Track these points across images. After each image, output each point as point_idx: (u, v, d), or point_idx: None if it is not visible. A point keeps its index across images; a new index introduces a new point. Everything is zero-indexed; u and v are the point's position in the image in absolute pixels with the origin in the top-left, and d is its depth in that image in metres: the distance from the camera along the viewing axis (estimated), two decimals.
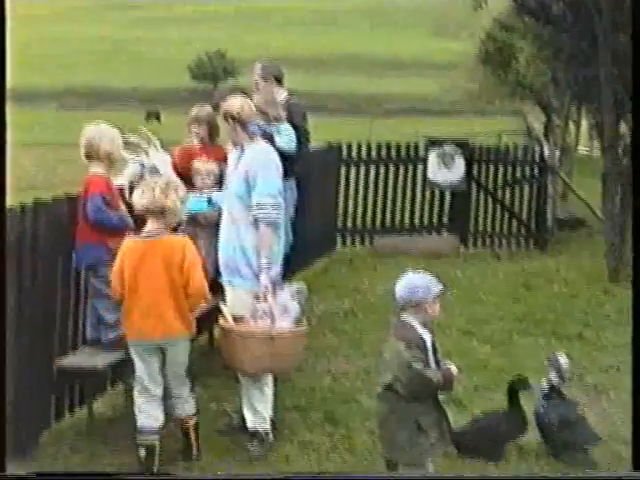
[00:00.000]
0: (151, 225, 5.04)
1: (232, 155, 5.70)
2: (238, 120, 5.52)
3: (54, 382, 5.47)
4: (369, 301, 8.88)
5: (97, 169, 5.45)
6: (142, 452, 5.09)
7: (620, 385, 6.65)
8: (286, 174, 6.93)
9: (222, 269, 5.57)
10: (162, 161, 6.10)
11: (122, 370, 5.59)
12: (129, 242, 5.05)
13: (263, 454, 5.34)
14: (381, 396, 4.38)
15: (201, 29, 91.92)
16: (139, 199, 5.03)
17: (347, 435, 5.63)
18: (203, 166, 6.32)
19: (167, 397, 5.18)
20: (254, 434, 5.41)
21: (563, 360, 5.62)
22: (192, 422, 5.27)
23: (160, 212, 4.99)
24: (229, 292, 5.55)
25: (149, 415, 5.10)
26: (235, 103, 5.59)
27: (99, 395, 5.96)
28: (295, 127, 7.29)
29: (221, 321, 5.29)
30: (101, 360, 5.38)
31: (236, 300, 5.43)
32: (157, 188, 5.01)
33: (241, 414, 5.55)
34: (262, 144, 5.64)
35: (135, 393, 5.16)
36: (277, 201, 5.44)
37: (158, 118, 42.51)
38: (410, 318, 4.38)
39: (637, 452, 3.64)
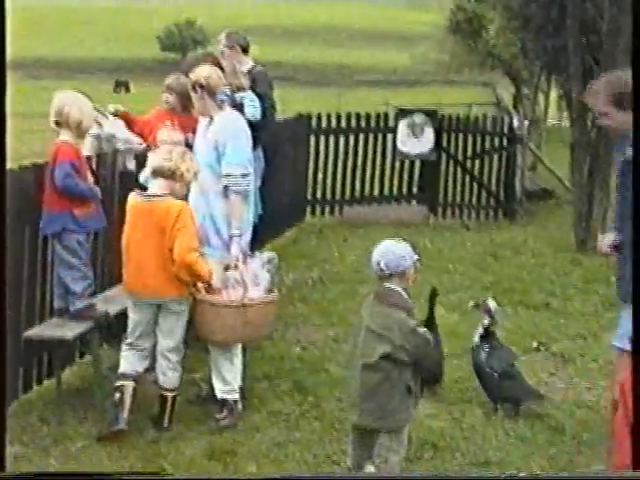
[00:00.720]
0: (157, 188, 5.17)
1: (200, 124, 5.64)
2: (206, 88, 5.46)
3: (22, 353, 5.43)
4: (338, 271, 8.91)
5: (66, 137, 5.39)
6: (116, 396, 5.20)
7: (586, 353, 6.74)
8: (253, 144, 6.92)
9: None
10: (116, 126, 6.17)
11: (90, 340, 5.55)
12: (132, 199, 5.22)
13: (232, 423, 5.35)
14: (375, 366, 4.31)
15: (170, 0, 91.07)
16: (155, 158, 5.22)
17: (316, 404, 5.66)
18: (169, 136, 6.24)
19: (156, 362, 5.32)
20: (223, 403, 5.41)
21: (492, 304, 5.86)
22: (171, 395, 5.31)
23: (171, 174, 5.12)
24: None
25: (128, 361, 5.28)
26: (203, 72, 5.54)
27: (67, 366, 5.94)
28: (259, 96, 7.22)
29: (193, 291, 5.26)
30: (69, 330, 5.34)
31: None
32: (174, 152, 5.19)
33: (210, 384, 5.55)
34: (231, 113, 5.60)
35: (123, 345, 5.33)
36: (247, 170, 5.42)
37: (128, 88, 42.19)
38: (397, 286, 4.40)
39: (637, 452, 3.67)
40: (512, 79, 24.61)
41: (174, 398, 5.34)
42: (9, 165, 5.35)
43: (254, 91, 7.15)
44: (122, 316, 5.61)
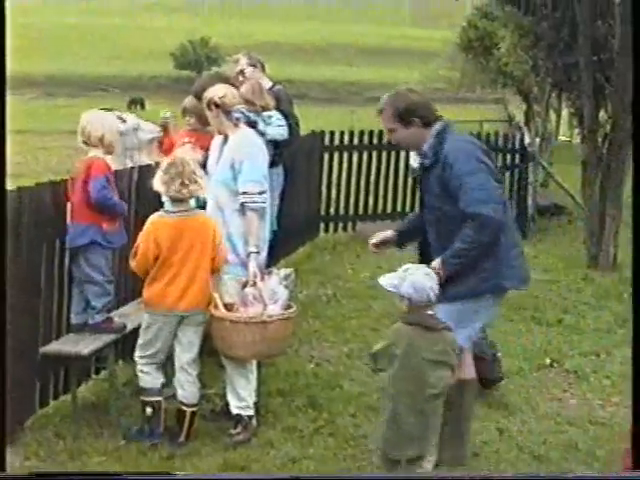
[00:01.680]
0: (182, 205, 5.24)
1: (215, 142, 5.69)
2: (221, 107, 5.51)
3: (38, 369, 5.49)
4: (352, 287, 8.93)
5: (96, 153, 5.55)
6: (149, 410, 5.28)
7: (600, 369, 6.74)
8: (274, 162, 7.02)
9: None
10: (139, 121, 6.26)
11: (106, 356, 5.62)
12: (163, 218, 5.25)
13: (247, 439, 5.36)
14: (442, 394, 4.40)
15: (184, 17, 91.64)
16: (159, 186, 5.23)
17: (330, 420, 5.67)
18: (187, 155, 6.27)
19: (173, 375, 5.40)
20: (238, 419, 5.43)
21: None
22: (189, 410, 5.34)
23: (188, 200, 5.23)
24: (216, 279, 5.47)
25: (152, 376, 5.32)
26: (218, 90, 5.58)
27: (83, 381, 5.98)
28: (284, 115, 7.28)
29: (212, 309, 5.27)
30: (86, 346, 5.40)
31: (221, 286, 5.42)
32: (177, 180, 5.16)
33: (225, 399, 5.57)
34: (246, 131, 5.64)
35: (137, 357, 5.37)
36: (263, 188, 5.44)
37: (142, 105, 42.36)
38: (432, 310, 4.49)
39: (637, 452, 3.68)
40: (523, 96, 24.63)
41: (193, 414, 5.35)
42: (25, 182, 5.47)
43: (278, 109, 7.21)
44: (137, 332, 5.67)
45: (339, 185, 11.76)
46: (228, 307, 5.29)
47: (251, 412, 5.46)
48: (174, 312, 5.24)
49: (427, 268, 4.52)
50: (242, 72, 7.51)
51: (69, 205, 5.56)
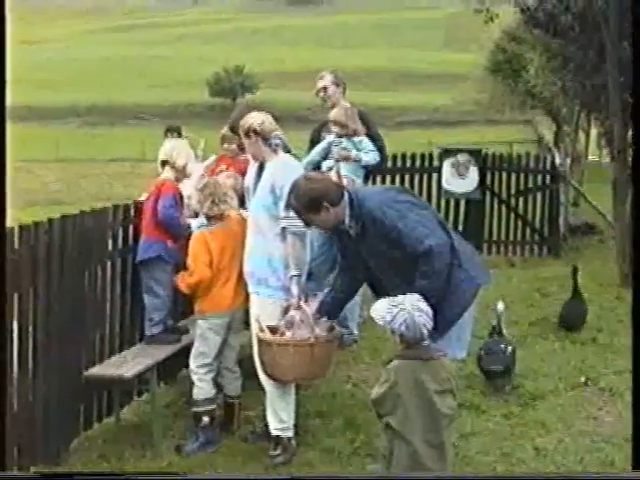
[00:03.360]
0: (216, 221, 5.74)
1: (251, 167, 5.75)
2: (260, 134, 5.54)
3: (83, 392, 5.63)
4: None
5: (168, 175, 5.99)
6: (205, 420, 5.59)
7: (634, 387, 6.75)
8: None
9: (247, 278, 5.60)
10: (197, 168, 6.47)
11: (148, 378, 5.73)
12: (205, 233, 5.70)
13: (287, 460, 5.42)
14: (450, 421, 4.34)
15: (219, 46, 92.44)
16: (197, 205, 5.82)
17: (367, 441, 5.71)
18: (227, 181, 6.40)
19: (218, 376, 5.80)
20: (277, 441, 5.49)
21: (500, 305, 6.92)
22: (237, 401, 5.86)
23: (219, 218, 5.73)
24: (256, 301, 5.54)
25: (210, 384, 5.68)
26: (256, 118, 5.61)
27: (126, 403, 6.12)
28: (372, 138, 7.39)
29: (258, 333, 5.33)
30: (128, 370, 5.52)
31: (262, 310, 5.45)
32: (208, 199, 5.69)
33: (264, 421, 5.63)
34: (285, 157, 5.64)
35: (194, 367, 5.66)
36: None
37: (179, 134, 42.75)
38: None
39: (637, 452, 3.74)
40: (552, 118, 24.65)
41: (240, 404, 5.84)
42: (66, 210, 5.64)
43: (366, 134, 7.36)
44: (177, 355, 5.81)
45: None
46: (272, 330, 5.32)
47: (290, 433, 5.52)
48: (231, 311, 5.68)
49: (420, 302, 4.36)
50: (325, 89, 7.60)
51: (143, 221, 5.94)
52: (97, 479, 4.33)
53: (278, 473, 5.28)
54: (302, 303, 5.31)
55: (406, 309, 4.29)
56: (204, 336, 5.66)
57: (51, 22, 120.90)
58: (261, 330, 5.32)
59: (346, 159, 7.29)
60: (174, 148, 6.13)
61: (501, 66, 29.03)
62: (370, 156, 7.31)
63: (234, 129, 6.20)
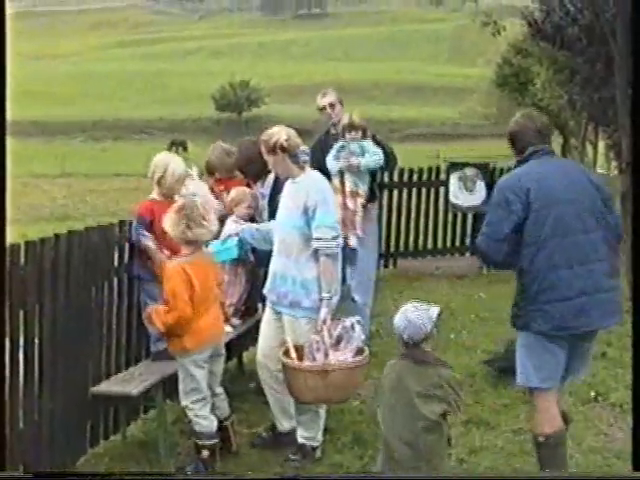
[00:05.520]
0: (195, 247, 5.34)
1: (287, 186, 5.61)
2: (288, 150, 5.41)
3: (89, 408, 5.60)
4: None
5: (153, 195, 5.95)
6: (205, 454, 5.42)
7: None
8: (373, 195, 7.22)
9: (276, 301, 5.54)
10: (200, 187, 6.35)
11: (154, 395, 5.70)
12: (187, 265, 5.26)
13: (303, 466, 5.48)
14: (430, 427, 4.41)
15: (226, 61, 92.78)
16: (170, 228, 5.31)
17: (375, 456, 5.67)
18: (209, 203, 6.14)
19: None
20: (301, 447, 5.57)
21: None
22: (229, 422, 5.71)
23: (193, 243, 5.33)
24: (290, 323, 5.48)
25: (208, 419, 5.45)
26: (281, 133, 5.46)
27: (132, 421, 6.08)
28: (379, 143, 7.46)
29: (281, 355, 5.31)
30: (134, 387, 5.51)
31: (296, 329, 5.42)
32: (183, 222, 5.25)
33: (270, 431, 5.82)
34: (314, 174, 5.56)
35: (189, 404, 5.43)
36: (337, 232, 5.39)
37: (185, 148, 42.79)
38: (427, 347, 4.58)
39: (637, 452, 3.70)
40: (559, 130, 24.63)
41: (232, 423, 5.73)
42: (72, 225, 5.63)
43: (373, 138, 7.40)
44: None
45: (380, 222, 11.81)
46: (299, 350, 5.27)
47: (316, 444, 5.60)
48: (213, 343, 5.46)
49: (418, 306, 4.58)
50: (332, 105, 7.64)
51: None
52: (96, 479, 4.31)
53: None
54: (325, 327, 5.23)
55: (406, 310, 4.54)
56: (190, 373, 5.38)
57: (58, 37, 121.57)
58: (285, 352, 5.27)
59: (349, 168, 7.31)
60: (154, 162, 5.89)
61: (508, 79, 29.01)
62: (372, 159, 7.29)
63: (210, 170, 6.34)
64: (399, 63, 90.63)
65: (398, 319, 4.53)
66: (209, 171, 6.93)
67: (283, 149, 5.41)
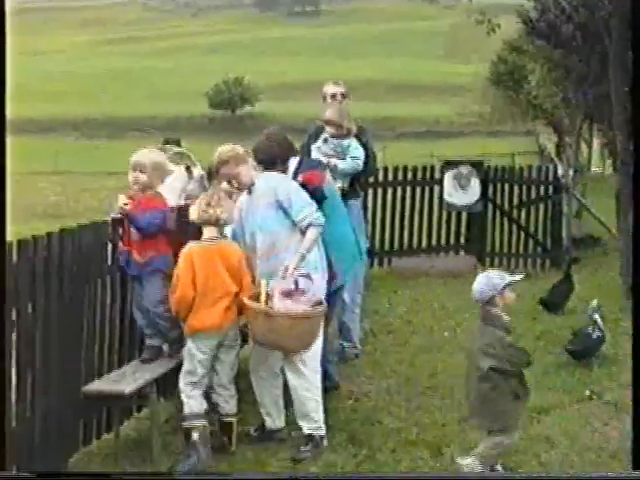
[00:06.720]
0: (210, 232, 5.59)
1: (243, 199, 5.91)
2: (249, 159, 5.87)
3: (82, 407, 5.55)
4: (389, 322, 8.95)
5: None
6: (195, 435, 5.46)
7: None
8: (355, 192, 7.19)
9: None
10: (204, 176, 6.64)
11: (147, 394, 5.66)
12: (193, 248, 5.55)
13: (314, 456, 5.58)
14: (485, 378, 5.04)
15: (220, 58, 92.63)
16: (192, 213, 5.64)
17: (370, 455, 5.68)
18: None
19: (213, 393, 5.69)
20: (310, 438, 5.68)
21: (595, 302, 7.74)
22: (235, 419, 5.72)
23: (213, 222, 5.57)
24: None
25: (198, 401, 5.54)
26: (235, 146, 5.94)
27: (125, 419, 6.05)
28: (365, 146, 7.40)
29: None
30: (127, 385, 5.48)
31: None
32: (206, 201, 5.59)
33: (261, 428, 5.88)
34: (270, 174, 5.86)
35: (182, 385, 5.58)
36: (315, 205, 5.71)
37: (179, 145, 42.79)
38: (495, 309, 5.11)
39: (637, 452, 3.69)
40: (554, 128, 24.64)
41: (237, 422, 5.74)
42: (66, 223, 5.58)
43: (358, 139, 7.34)
44: (177, 370, 5.74)
45: (374, 221, 11.80)
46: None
47: (322, 432, 5.72)
48: (219, 333, 5.54)
49: (489, 272, 5.29)
50: (341, 95, 7.70)
51: None
52: (95, 479, 4.30)
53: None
54: (287, 274, 5.51)
55: (481, 275, 5.23)
56: (190, 353, 5.58)
57: (50, 34, 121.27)
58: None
59: (326, 167, 7.29)
60: (135, 160, 5.92)
61: (502, 77, 29.07)
62: (351, 164, 7.23)
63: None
64: (393, 60, 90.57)
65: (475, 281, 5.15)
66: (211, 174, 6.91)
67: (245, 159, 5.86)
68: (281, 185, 5.74)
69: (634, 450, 3.73)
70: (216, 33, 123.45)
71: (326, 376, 6.14)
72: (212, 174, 6.81)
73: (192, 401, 5.54)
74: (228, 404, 5.70)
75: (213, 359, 5.61)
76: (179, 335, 5.79)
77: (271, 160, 5.84)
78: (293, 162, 6.00)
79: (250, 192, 5.82)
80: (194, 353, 5.55)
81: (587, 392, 6.83)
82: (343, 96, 7.71)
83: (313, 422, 5.71)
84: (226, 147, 5.87)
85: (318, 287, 5.62)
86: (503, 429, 5.14)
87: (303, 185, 5.85)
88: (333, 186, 6.25)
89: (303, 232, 5.67)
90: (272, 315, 5.41)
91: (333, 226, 5.91)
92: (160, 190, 6.00)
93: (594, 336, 7.48)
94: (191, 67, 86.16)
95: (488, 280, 5.14)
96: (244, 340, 5.98)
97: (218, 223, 5.60)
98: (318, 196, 5.89)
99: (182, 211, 6.10)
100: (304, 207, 5.67)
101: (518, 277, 5.30)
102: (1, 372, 4.36)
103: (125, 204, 5.71)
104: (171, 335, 5.85)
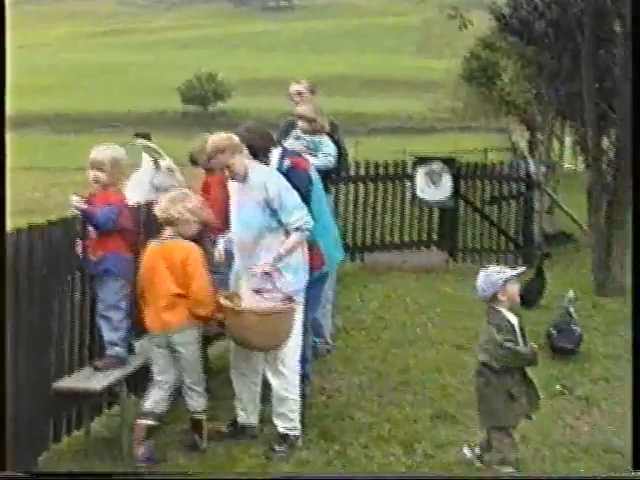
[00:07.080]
0: (167, 232, 5.53)
1: (233, 188, 5.75)
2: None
3: (51, 404, 5.49)
4: (361, 318, 8.94)
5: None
6: (136, 431, 5.45)
7: (610, 396, 6.72)
8: (325, 188, 7.17)
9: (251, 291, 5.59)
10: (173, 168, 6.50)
11: (118, 391, 5.63)
12: (149, 245, 5.55)
13: (289, 456, 5.53)
14: (479, 372, 5.21)
15: (193, 53, 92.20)
16: (156, 209, 5.60)
17: (341, 451, 5.67)
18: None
19: (182, 392, 5.62)
20: (285, 438, 5.64)
21: (571, 293, 7.90)
22: (204, 416, 5.65)
23: (169, 221, 5.49)
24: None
25: (153, 400, 5.50)
26: (229, 135, 5.68)
27: (96, 416, 5.99)
28: (336, 144, 7.36)
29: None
30: (98, 382, 5.44)
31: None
32: (164, 200, 5.53)
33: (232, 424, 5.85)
34: (259, 167, 5.69)
35: (150, 384, 5.58)
36: (306, 209, 5.62)
37: (149, 139, 42.58)
38: (498, 306, 5.20)
39: (637, 452, 3.70)
40: (526, 125, 24.74)
41: (206, 419, 5.68)
42: (36, 219, 5.51)
43: (331, 137, 7.30)
44: (146, 366, 5.70)
45: (346, 216, 11.80)
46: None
47: (298, 432, 5.69)
48: (155, 335, 5.52)
49: (487, 269, 5.34)
50: (300, 93, 7.66)
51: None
52: (95, 479, 4.27)
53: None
54: (258, 272, 5.44)
55: (481, 272, 5.31)
56: (138, 354, 5.70)
57: (20, 29, 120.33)
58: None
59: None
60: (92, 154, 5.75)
61: (475, 74, 29.15)
62: (322, 161, 7.18)
63: (195, 160, 6.27)
64: (365, 56, 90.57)
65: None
66: (192, 161, 6.82)
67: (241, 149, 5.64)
68: (271, 182, 5.57)
69: (634, 450, 3.73)
70: (189, 28, 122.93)
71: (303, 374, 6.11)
72: (195, 162, 6.74)
73: (147, 399, 5.53)
74: (196, 402, 5.61)
75: (171, 358, 5.52)
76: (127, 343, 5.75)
77: (253, 152, 5.76)
78: (275, 152, 5.92)
79: (242, 181, 5.64)
80: (152, 349, 5.56)
81: (558, 387, 6.86)
82: (311, 92, 7.69)
83: (289, 421, 5.68)
84: (222, 135, 5.67)
85: (290, 283, 5.53)
86: (498, 428, 5.18)
87: (291, 168, 5.79)
88: (317, 174, 6.19)
89: (288, 233, 5.56)
90: (239, 312, 5.38)
91: (319, 214, 5.87)
92: (128, 184, 5.92)
93: (576, 333, 7.66)
94: (164, 62, 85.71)
95: (487, 278, 5.22)
96: (208, 339, 5.97)
97: (174, 223, 5.48)
98: (306, 180, 5.83)
99: (152, 206, 6.02)
100: (295, 209, 5.54)
101: (518, 271, 5.35)
102: (1, 374, 4.32)
103: (78, 202, 5.56)
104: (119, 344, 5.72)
